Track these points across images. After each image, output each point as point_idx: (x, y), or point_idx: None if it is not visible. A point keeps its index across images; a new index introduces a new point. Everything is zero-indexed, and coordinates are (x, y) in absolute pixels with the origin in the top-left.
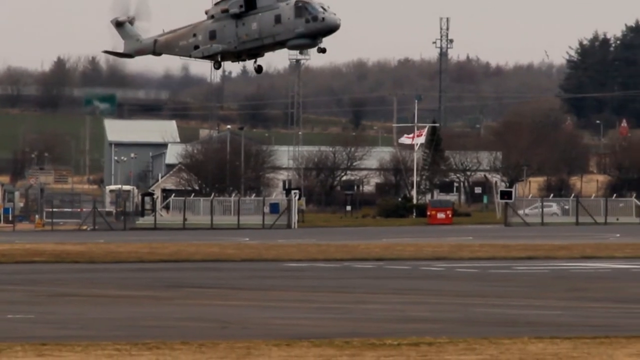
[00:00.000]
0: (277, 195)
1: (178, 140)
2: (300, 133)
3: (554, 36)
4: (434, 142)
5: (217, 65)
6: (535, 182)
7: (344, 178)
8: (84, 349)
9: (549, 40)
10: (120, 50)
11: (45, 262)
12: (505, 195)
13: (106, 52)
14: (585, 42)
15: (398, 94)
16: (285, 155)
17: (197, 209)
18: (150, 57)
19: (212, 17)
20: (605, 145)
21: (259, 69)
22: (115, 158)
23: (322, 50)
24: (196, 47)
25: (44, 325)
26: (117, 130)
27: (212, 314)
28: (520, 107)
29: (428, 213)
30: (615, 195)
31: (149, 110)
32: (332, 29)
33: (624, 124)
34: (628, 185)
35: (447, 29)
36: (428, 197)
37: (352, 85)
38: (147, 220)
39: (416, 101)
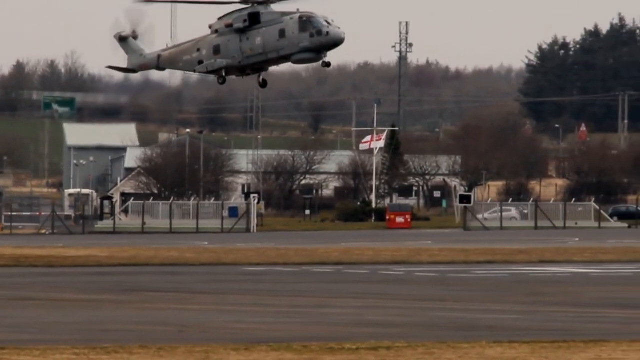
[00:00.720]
0: (236, 199)
1: (137, 144)
2: (259, 137)
3: (514, 40)
4: (393, 146)
5: (222, 81)
6: (495, 187)
7: (303, 182)
8: (42, 353)
9: (508, 45)
10: (123, 65)
11: (4, 266)
12: (465, 199)
13: (110, 67)
14: (544, 46)
15: (357, 98)
16: (244, 159)
17: (156, 212)
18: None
19: (216, 31)
20: (565, 150)
21: (263, 84)
22: (75, 162)
23: (327, 65)
24: (200, 62)
25: (2, 330)
26: (77, 134)
27: (171, 318)
28: (480, 111)
29: (387, 217)
30: (574, 199)
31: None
32: (336, 42)
33: (583, 128)
34: (587, 190)
35: (407, 33)
36: (387, 201)
37: (312, 89)
38: (106, 224)
39: (375, 105)
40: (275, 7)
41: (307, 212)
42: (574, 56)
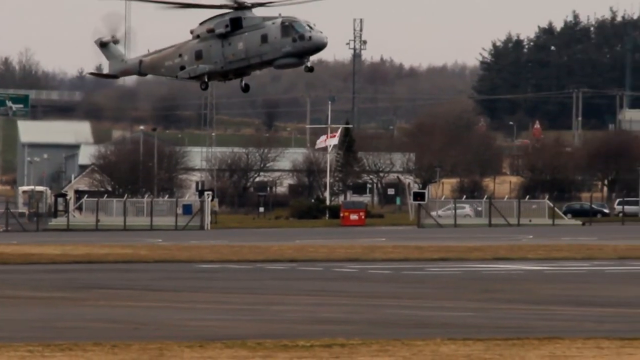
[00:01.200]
0: (190, 197)
1: (91, 141)
2: (213, 134)
3: (467, 38)
4: (347, 143)
5: (205, 86)
6: (448, 184)
7: (257, 179)
8: None
9: (462, 42)
10: (105, 70)
11: None
12: (418, 196)
13: (91, 74)
14: (498, 43)
15: (311, 95)
16: (198, 156)
17: (110, 210)
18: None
19: (198, 37)
20: (518, 147)
21: (245, 88)
22: (29, 159)
23: (310, 69)
24: (182, 68)
25: None
26: (30, 131)
27: (125, 315)
28: (434, 108)
29: (341, 214)
30: (528, 196)
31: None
32: (319, 47)
33: (537, 125)
34: (541, 187)
35: (361, 30)
36: (341, 198)
37: (266, 86)
38: (60, 221)
39: (329, 102)
40: (257, 12)
41: (261, 209)
42: (528, 53)
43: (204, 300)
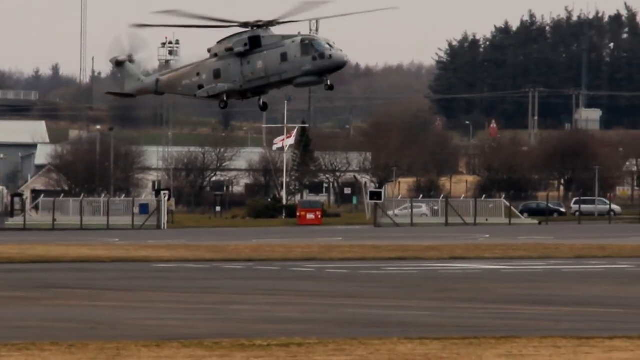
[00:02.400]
0: (147, 196)
1: (48, 141)
2: (169, 134)
3: (424, 37)
4: (304, 142)
5: (223, 105)
6: (405, 183)
7: (214, 179)
8: None
9: (418, 42)
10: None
11: None
12: (375, 196)
13: (109, 93)
14: (454, 43)
15: (267, 95)
16: (154, 155)
17: (66, 209)
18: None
19: (216, 55)
20: (475, 146)
21: (263, 107)
22: None
23: (330, 88)
24: (200, 87)
25: None
26: None
27: (82, 314)
28: (390, 108)
29: (298, 214)
30: (484, 196)
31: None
32: (339, 65)
33: (493, 124)
34: (497, 186)
35: (317, 30)
36: (298, 197)
37: None
38: (16, 220)
39: (286, 102)
40: (276, 30)
41: (218, 208)
42: (484, 53)
43: (160, 300)
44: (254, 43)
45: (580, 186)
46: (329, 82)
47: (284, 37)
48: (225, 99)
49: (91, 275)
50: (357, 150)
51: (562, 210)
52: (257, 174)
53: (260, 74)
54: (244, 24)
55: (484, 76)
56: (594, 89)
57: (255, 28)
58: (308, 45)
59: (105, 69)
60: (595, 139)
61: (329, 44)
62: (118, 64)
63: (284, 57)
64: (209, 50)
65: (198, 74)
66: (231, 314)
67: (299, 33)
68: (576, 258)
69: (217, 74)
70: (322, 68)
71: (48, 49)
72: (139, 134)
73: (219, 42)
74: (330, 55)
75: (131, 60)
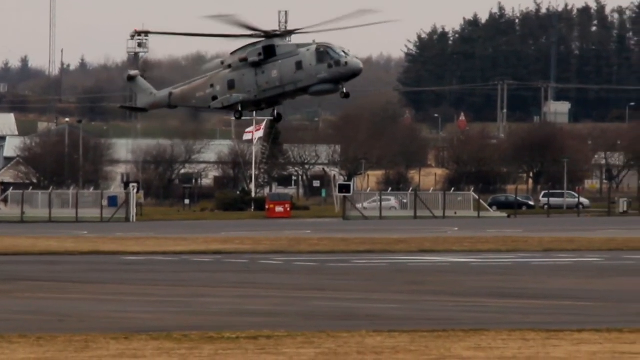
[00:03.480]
0: (116, 189)
1: (16, 133)
2: (138, 126)
3: (393, 29)
4: (273, 135)
5: (238, 115)
6: (374, 176)
7: (183, 171)
8: None
9: (387, 34)
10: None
11: None
12: (344, 188)
13: (122, 107)
14: (423, 35)
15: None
16: (123, 148)
17: (35, 202)
18: None
19: (229, 66)
20: (444, 139)
21: (278, 118)
22: None
23: (346, 96)
24: (214, 98)
25: None
26: None
27: (50, 307)
28: (359, 100)
29: (266, 206)
30: (453, 188)
31: None
32: (355, 72)
33: (462, 117)
34: (466, 179)
35: (286, 22)
36: (266, 190)
37: (191, 78)
38: None
39: None
40: (290, 39)
41: (187, 201)
42: (453, 45)
43: (129, 292)
44: (269, 52)
45: (549, 179)
46: (345, 90)
47: (299, 46)
48: (240, 109)
49: (60, 268)
50: (326, 143)
51: (531, 203)
52: (226, 167)
53: (275, 84)
54: (259, 35)
55: (453, 69)
56: (563, 82)
57: (269, 38)
58: (323, 53)
59: (74, 61)
60: (564, 132)
61: (344, 51)
62: (130, 78)
63: (299, 65)
64: (222, 62)
65: (212, 86)
66: (200, 307)
67: (314, 41)
68: (545, 251)
69: (231, 85)
70: (338, 75)
71: (17, 41)
72: (107, 127)
73: (233, 53)
74: (346, 63)
75: (143, 76)
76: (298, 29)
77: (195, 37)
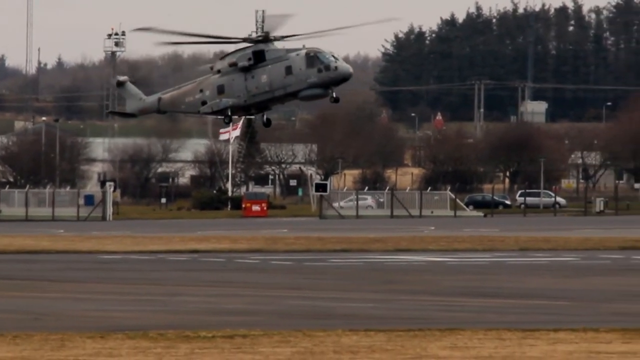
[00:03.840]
0: (92, 187)
1: None
2: (115, 125)
3: (370, 29)
4: (249, 134)
5: (228, 120)
6: (350, 175)
7: (159, 170)
8: None
9: (364, 33)
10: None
11: None
12: (320, 187)
13: (111, 112)
14: (400, 35)
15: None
16: (100, 147)
17: (11, 200)
18: None
19: (219, 71)
20: (420, 138)
21: (267, 123)
22: None
23: (336, 100)
24: (204, 103)
25: None
26: None
27: (26, 305)
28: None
29: (243, 205)
30: (430, 188)
31: None
32: (345, 77)
33: (439, 116)
34: (443, 178)
35: (263, 21)
36: (243, 189)
37: (167, 77)
38: None
39: None
40: (279, 44)
41: (163, 200)
42: (430, 45)
43: (105, 291)
44: (258, 57)
45: (525, 179)
46: (334, 95)
47: (288, 51)
48: (229, 114)
49: (36, 267)
50: (303, 142)
51: (508, 202)
52: (203, 166)
53: (265, 88)
54: (248, 39)
55: (430, 68)
56: (540, 82)
57: (259, 43)
58: (313, 57)
59: (51, 60)
60: (541, 132)
61: (333, 56)
62: (119, 84)
63: (288, 70)
64: (211, 68)
65: (201, 91)
66: (176, 306)
67: (303, 46)
68: (521, 250)
69: (220, 90)
70: (328, 80)
71: None
72: (84, 125)
73: (222, 58)
74: (336, 67)
75: (132, 81)
76: (287, 35)
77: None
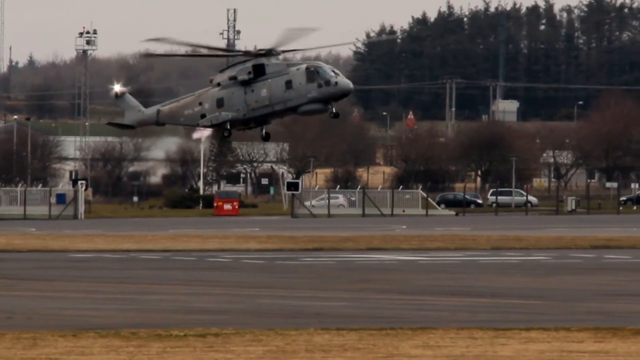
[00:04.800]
0: (64, 186)
1: None
2: (87, 124)
3: (341, 28)
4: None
5: (228, 134)
6: (322, 174)
7: (131, 169)
8: None
9: (335, 32)
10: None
11: None
12: (292, 186)
13: (109, 124)
14: (372, 33)
15: (185, 85)
16: (72, 145)
17: None
18: None
19: (218, 84)
20: (392, 137)
21: (266, 137)
22: None
23: (336, 116)
24: (203, 116)
25: None
26: None
27: None
28: None
29: (215, 204)
30: (401, 187)
31: None
32: (345, 93)
33: (411, 115)
34: (414, 177)
35: (235, 20)
36: (215, 188)
37: (139, 76)
38: None
39: None
40: (279, 58)
41: (135, 198)
42: (402, 44)
43: (77, 290)
44: (258, 71)
45: (497, 177)
46: (334, 110)
47: (289, 65)
48: (229, 127)
49: (7, 265)
50: (274, 141)
51: (479, 201)
52: (175, 164)
53: (264, 102)
54: (248, 53)
55: (401, 67)
56: (511, 81)
57: (259, 57)
58: (313, 72)
59: (22, 59)
60: (512, 131)
61: (333, 71)
62: (117, 95)
63: (288, 84)
64: (211, 81)
65: (200, 104)
66: (148, 304)
67: (303, 61)
68: (493, 249)
69: (220, 103)
70: (328, 95)
71: None
72: (56, 124)
73: (222, 71)
74: (336, 82)
75: (131, 93)
76: (286, 49)
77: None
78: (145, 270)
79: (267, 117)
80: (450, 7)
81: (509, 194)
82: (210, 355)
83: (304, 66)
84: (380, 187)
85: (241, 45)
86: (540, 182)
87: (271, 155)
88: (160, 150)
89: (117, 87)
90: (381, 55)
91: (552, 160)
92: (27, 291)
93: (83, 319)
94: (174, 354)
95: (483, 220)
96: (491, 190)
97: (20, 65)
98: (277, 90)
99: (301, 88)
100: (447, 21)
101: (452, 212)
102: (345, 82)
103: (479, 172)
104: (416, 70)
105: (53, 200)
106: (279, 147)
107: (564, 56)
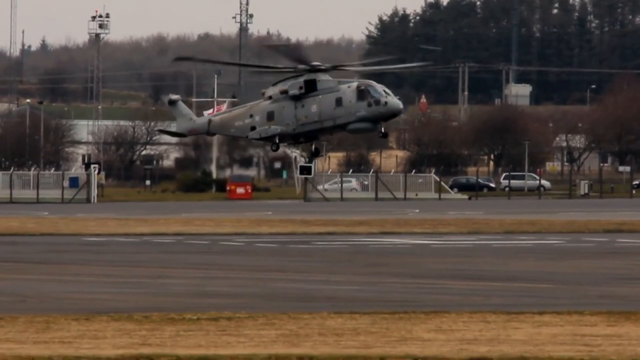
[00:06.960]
0: (77, 170)
1: None
2: (99, 107)
3: (354, 11)
4: None
5: (275, 147)
6: (335, 158)
7: (144, 152)
8: None
9: (348, 16)
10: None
11: None
12: (305, 170)
13: (160, 131)
14: (385, 17)
15: (198, 68)
16: (84, 129)
17: None
18: None
19: (270, 98)
20: (405, 121)
21: (315, 152)
22: None
23: (384, 135)
24: (253, 128)
25: None
26: None
27: (11, 287)
28: None
29: (227, 188)
30: (414, 170)
31: None
32: (394, 113)
33: (423, 99)
34: (427, 161)
35: (247, 4)
36: (227, 172)
37: (152, 59)
38: None
39: (216, 76)
40: (332, 75)
41: (148, 182)
42: (414, 28)
43: (90, 274)
44: (310, 87)
45: (509, 161)
46: (382, 130)
47: (340, 82)
48: (277, 141)
49: (20, 249)
50: None
51: (492, 185)
52: (187, 148)
53: (314, 118)
54: (301, 69)
55: (414, 51)
56: (524, 64)
57: (311, 72)
58: (364, 91)
59: (35, 42)
60: (525, 114)
61: (385, 90)
62: (171, 102)
63: (339, 102)
64: (263, 93)
65: (251, 116)
66: (161, 288)
67: (355, 79)
68: (506, 233)
69: (270, 116)
70: (377, 115)
71: None
72: (69, 108)
73: (274, 85)
74: (386, 102)
75: (184, 100)
76: (341, 65)
77: (237, 65)
78: (158, 254)
79: (316, 133)
80: None
81: (522, 177)
82: (223, 339)
83: (355, 84)
84: (393, 170)
85: (254, 28)
86: (553, 166)
87: None
88: None
89: (172, 95)
90: (394, 39)
91: (564, 144)
92: (40, 275)
93: (96, 303)
94: (187, 338)
95: (496, 204)
96: (504, 174)
97: (33, 49)
98: (327, 107)
99: (351, 106)
100: (460, 5)
101: (465, 196)
102: (395, 102)
103: (492, 156)
104: (429, 54)
105: (66, 184)
106: None
107: (576, 40)
